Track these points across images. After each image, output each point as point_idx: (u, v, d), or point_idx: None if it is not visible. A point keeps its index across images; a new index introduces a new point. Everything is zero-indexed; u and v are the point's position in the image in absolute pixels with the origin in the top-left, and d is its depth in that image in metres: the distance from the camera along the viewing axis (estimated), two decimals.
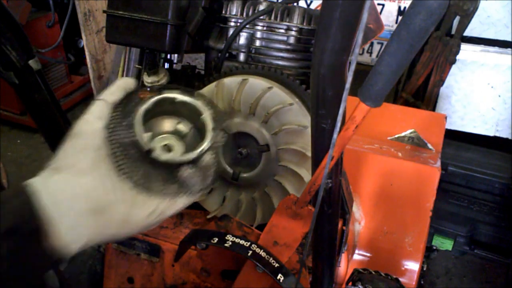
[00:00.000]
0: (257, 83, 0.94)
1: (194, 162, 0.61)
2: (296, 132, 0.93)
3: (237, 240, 0.79)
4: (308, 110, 0.94)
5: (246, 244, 0.77)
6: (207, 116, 0.63)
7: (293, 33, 1.01)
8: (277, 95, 0.93)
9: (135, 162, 0.58)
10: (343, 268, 1.13)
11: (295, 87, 0.98)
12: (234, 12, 1.03)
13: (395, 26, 2.20)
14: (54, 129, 1.01)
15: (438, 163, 1.35)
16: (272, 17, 1.01)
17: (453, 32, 2.37)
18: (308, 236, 0.66)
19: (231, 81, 0.95)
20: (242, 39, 1.04)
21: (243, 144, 0.99)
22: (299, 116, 0.93)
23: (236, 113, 0.97)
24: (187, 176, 0.60)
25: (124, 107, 0.62)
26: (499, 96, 2.51)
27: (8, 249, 0.52)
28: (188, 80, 1.15)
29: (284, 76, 0.98)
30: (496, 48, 2.44)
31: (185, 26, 0.97)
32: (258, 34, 1.03)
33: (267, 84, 0.93)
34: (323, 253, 0.79)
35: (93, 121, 0.60)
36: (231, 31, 1.04)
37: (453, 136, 2.32)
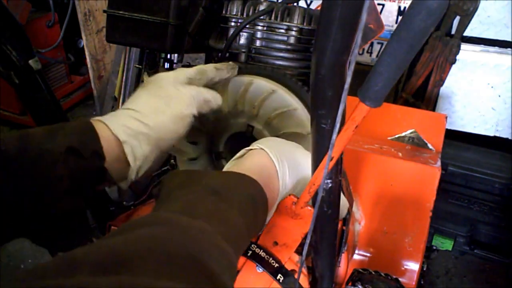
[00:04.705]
0: (262, 84, 0.93)
1: None
2: (298, 136, 0.92)
3: None
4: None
5: None
6: None
7: (293, 33, 1.01)
8: (282, 98, 0.93)
9: None
10: (343, 268, 1.13)
11: (298, 89, 0.97)
12: (234, 12, 1.03)
13: (395, 26, 2.20)
14: None
15: (438, 163, 1.35)
16: (272, 17, 1.01)
17: (453, 32, 2.37)
18: (308, 236, 0.66)
19: (236, 81, 0.95)
20: (242, 39, 1.04)
21: (245, 144, 0.99)
22: (302, 121, 0.92)
23: (240, 114, 0.97)
24: None
25: None
26: (499, 96, 2.51)
27: (68, 168, 0.60)
28: None
29: (287, 78, 0.98)
30: (496, 48, 2.44)
31: (185, 26, 0.97)
32: (259, 34, 1.03)
33: (273, 86, 0.93)
34: (323, 253, 0.79)
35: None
36: (231, 31, 1.04)
37: (453, 136, 2.32)
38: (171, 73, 0.81)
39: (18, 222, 0.59)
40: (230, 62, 0.95)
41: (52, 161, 0.59)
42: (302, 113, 0.92)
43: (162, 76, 0.80)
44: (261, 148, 0.70)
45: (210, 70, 0.87)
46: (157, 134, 0.72)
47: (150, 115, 0.71)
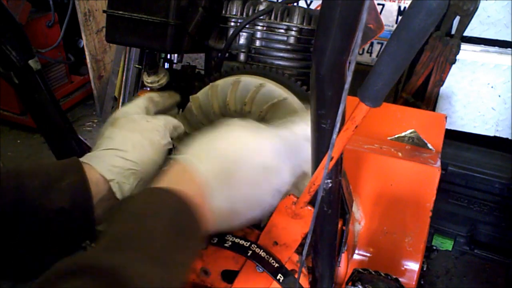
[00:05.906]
0: (249, 80, 0.94)
1: None
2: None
3: (237, 240, 0.79)
4: (303, 104, 0.95)
5: (246, 244, 0.77)
6: None
7: (293, 33, 1.01)
8: (270, 90, 0.93)
9: None
10: (343, 268, 1.13)
11: (285, 80, 0.97)
12: (234, 12, 1.03)
13: (395, 26, 2.20)
14: (54, 129, 1.01)
15: (438, 163, 1.35)
16: (272, 17, 1.01)
17: (453, 32, 2.37)
18: (308, 236, 0.66)
19: (224, 82, 0.96)
20: (242, 39, 1.04)
21: None
22: (294, 109, 0.92)
23: (232, 114, 0.97)
24: None
25: None
26: (499, 96, 2.51)
27: (58, 225, 0.65)
28: (188, 80, 1.15)
29: (272, 72, 0.98)
30: (496, 48, 2.44)
31: (185, 26, 0.97)
32: (258, 34, 1.03)
33: (260, 80, 0.93)
34: (323, 253, 0.79)
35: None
36: (231, 31, 1.04)
37: (453, 136, 2.32)
38: (130, 106, 0.87)
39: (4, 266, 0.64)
40: (171, 91, 1.02)
41: (45, 218, 0.64)
42: (292, 102, 0.93)
43: (126, 111, 0.85)
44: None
45: (155, 95, 0.94)
46: (142, 167, 0.77)
47: (132, 151, 0.76)
